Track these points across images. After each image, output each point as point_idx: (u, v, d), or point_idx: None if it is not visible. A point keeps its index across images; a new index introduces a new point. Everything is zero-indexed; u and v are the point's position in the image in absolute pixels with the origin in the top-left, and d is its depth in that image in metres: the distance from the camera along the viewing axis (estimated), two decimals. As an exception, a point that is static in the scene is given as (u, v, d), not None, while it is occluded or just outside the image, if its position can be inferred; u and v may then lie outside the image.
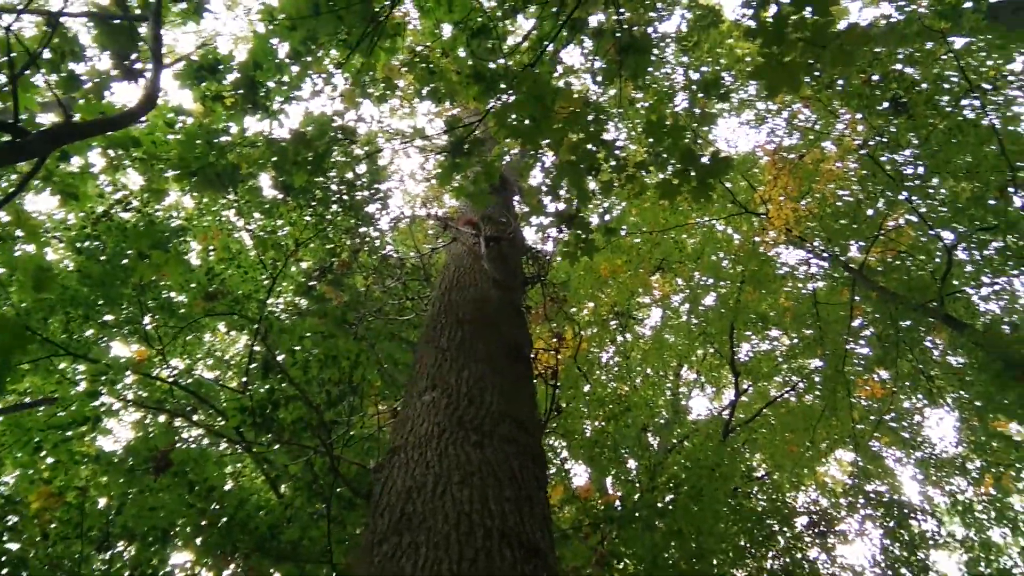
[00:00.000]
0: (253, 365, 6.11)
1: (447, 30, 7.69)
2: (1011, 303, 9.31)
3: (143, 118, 4.19)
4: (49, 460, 4.81)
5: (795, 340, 13.29)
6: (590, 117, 4.32)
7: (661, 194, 4.42)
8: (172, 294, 8.83)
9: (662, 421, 12.93)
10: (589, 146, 4.51)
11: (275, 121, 5.63)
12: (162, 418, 7.81)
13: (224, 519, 4.67)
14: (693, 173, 4.33)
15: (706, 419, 14.83)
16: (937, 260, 10.07)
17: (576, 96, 4.30)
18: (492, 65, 6.93)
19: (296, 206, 8.16)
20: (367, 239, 8.19)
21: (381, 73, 6.16)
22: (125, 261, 7.70)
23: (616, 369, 14.97)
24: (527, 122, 4.45)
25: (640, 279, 13.18)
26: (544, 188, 5.23)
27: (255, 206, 8.56)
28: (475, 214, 6.41)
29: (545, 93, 4.24)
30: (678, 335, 15.61)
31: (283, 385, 4.78)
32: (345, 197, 8.12)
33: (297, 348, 5.01)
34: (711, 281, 14.19)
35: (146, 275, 5.88)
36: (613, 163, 4.58)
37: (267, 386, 4.82)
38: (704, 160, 4.32)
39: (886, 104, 7.42)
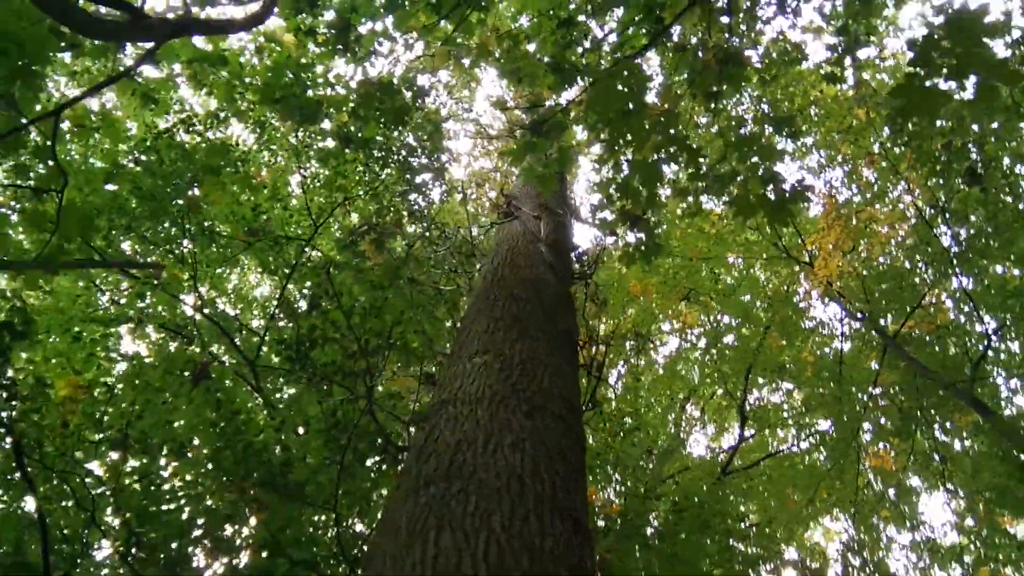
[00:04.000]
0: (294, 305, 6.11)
1: (531, 16, 7.68)
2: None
3: (258, 26, 4.19)
4: (83, 352, 4.81)
5: (814, 393, 13.10)
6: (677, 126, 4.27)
7: (736, 211, 4.36)
8: (215, 223, 8.86)
9: (665, 448, 12.83)
10: (672, 148, 4.46)
11: (360, 67, 5.62)
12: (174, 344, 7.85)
13: (241, 444, 4.65)
14: (773, 196, 4.27)
15: (703, 457, 14.70)
16: (973, 342, 9.93)
17: (674, 94, 4.25)
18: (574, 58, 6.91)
19: (354, 159, 8.17)
20: (417, 206, 8.17)
21: (477, 38, 6.13)
22: (177, 181, 7.73)
23: (622, 390, 14.88)
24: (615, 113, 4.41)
25: (667, 304, 13.08)
26: (615, 185, 5.19)
27: (315, 152, 8.58)
28: (540, 198, 6.38)
29: (642, 86, 4.19)
30: (690, 368, 15.49)
31: (324, 326, 4.76)
32: (404, 158, 8.11)
33: (343, 295, 4.99)
34: (736, 321, 14.07)
35: (210, 194, 5.86)
36: (691, 170, 4.53)
37: (310, 324, 4.79)
38: (786, 185, 4.26)
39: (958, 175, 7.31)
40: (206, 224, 8.68)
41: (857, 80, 10.54)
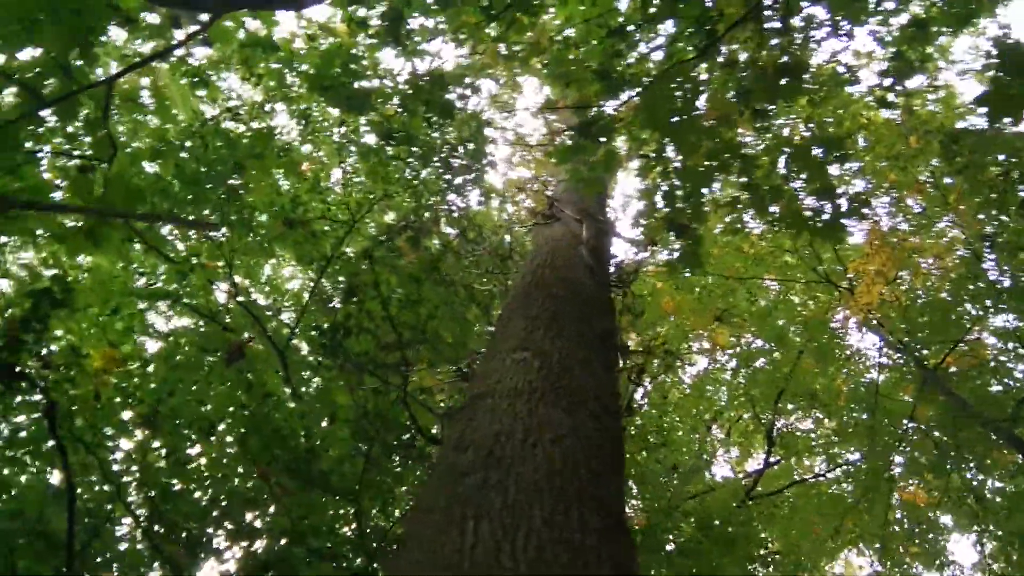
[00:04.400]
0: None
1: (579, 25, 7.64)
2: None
3: (317, 4, 4.19)
4: (120, 325, 4.84)
5: (846, 422, 12.81)
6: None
7: (788, 224, 4.26)
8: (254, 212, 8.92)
9: (689, 467, 12.61)
10: (726, 155, 4.37)
11: (409, 61, 5.62)
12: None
13: (269, 429, 4.63)
14: (828, 212, 4.16)
15: (727, 479, 14.45)
16: (1018, 380, 9.65)
17: (728, 102, 4.17)
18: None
19: (395, 155, 8.18)
20: (455, 207, 8.15)
21: (531, 36, 6.09)
22: (220, 168, 7.79)
23: (648, 407, 14.68)
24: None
25: (700, 323, 12.89)
26: (661, 192, 5.12)
27: (356, 148, 8.61)
28: (582, 202, 6.32)
29: (695, 92, 4.12)
30: (718, 389, 15.24)
31: (359, 315, 4.74)
32: (445, 156, 8.09)
33: (380, 285, 4.97)
34: (769, 345, 13.82)
35: (251, 181, 5.88)
36: (744, 179, 4.44)
37: (346, 312, 4.78)
38: (841, 200, 4.15)
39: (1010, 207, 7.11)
40: (244, 213, 8.75)
41: (908, 107, 10.33)
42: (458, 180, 7.81)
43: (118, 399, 4.68)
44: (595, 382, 3.36)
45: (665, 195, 5.12)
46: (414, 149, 7.85)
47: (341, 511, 5.59)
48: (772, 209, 4.50)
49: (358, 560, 5.60)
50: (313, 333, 4.69)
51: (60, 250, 4.51)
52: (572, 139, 5.13)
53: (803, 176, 4.23)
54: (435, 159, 8.09)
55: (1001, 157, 7.00)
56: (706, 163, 4.41)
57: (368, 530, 5.47)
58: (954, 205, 9.39)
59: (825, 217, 4.15)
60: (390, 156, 8.14)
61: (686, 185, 4.73)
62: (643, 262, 6.79)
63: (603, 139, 5.15)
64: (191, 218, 5.59)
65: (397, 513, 5.57)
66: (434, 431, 4.68)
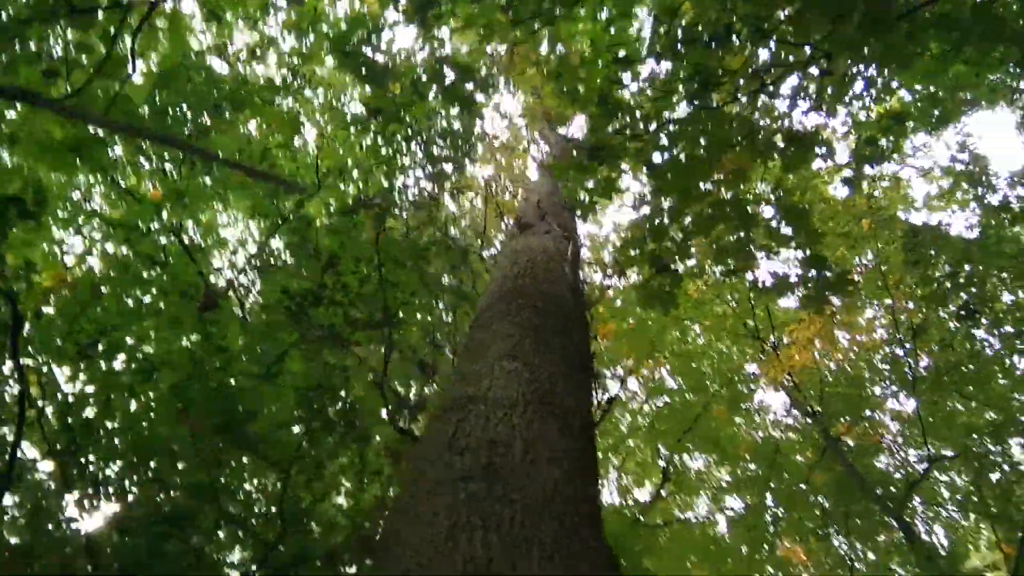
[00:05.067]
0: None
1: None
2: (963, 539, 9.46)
3: None
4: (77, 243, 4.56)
5: (743, 472, 13.29)
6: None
7: (776, 288, 4.40)
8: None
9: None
10: (727, 208, 4.48)
11: (428, 45, 5.53)
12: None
13: (214, 382, 4.45)
14: (816, 280, 4.32)
15: (615, 505, 14.76)
16: (913, 465, 10.24)
17: (747, 157, 4.28)
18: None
19: (379, 131, 8.03)
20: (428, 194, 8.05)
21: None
22: (195, 105, 7.45)
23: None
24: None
25: (633, 353, 13.12)
26: (648, 227, 5.20)
27: (340, 115, 8.42)
28: (559, 217, 6.35)
29: (722, 140, 4.21)
30: (623, 418, 15.53)
31: (334, 287, 4.62)
32: (427, 142, 7.99)
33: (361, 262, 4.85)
34: (682, 386, 14.18)
35: (228, 124, 5.66)
36: (741, 234, 4.56)
37: (320, 283, 4.64)
38: (828, 272, 4.32)
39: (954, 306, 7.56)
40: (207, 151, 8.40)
41: (868, 192, 10.84)
42: (438, 168, 7.71)
43: (59, 321, 4.41)
44: (577, 401, 3.38)
45: (654, 231, 5.20)
46: (408, 131, 7.73)
47: (264, 480, 5.44)
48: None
49: (270, 533, 5.46)
50: (282, 295, 4.53)
51: (42, 159, 4.20)
52: (577, 159, 5.16)
53: (797, 241, 4.38)
54: (419, 142, 7.99)
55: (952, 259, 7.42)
56: (709, 211, 4.50)
57: (291, 501, 5.33)
58: (892, 291, 9.88)
59: (815, 281, 4.31)
60: (374, 131, 7.98)
61: (680, 225, 4.82)
62: (610, 287, 6.86)
63: (609, 164, 5.20)
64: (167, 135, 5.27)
65: (327, 485, 5.46)
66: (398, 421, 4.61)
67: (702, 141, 4.24)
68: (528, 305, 4.23)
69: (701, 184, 4.46)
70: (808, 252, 4.39)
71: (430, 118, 7.60)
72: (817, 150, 8.25)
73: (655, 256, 5.13)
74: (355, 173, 8.85)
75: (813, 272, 4.32)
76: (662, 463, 14.51)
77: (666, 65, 7.91)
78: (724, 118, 4.40)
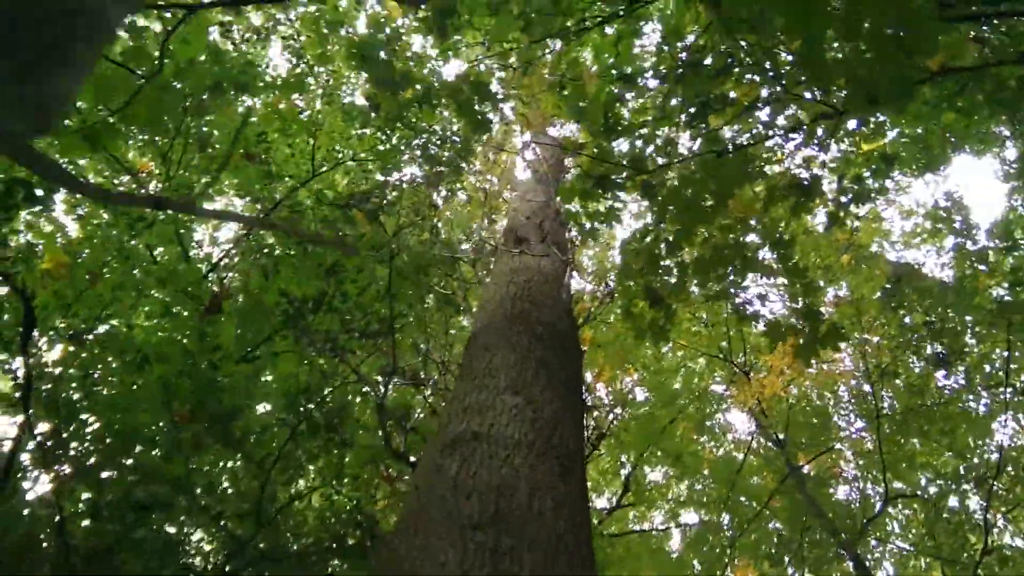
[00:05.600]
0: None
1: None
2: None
3: None
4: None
5: (703, 489, 13.52)
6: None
7: (768, 334, 4.50)
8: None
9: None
10: (727, 251, 4.57)
11: (443, 58, 5.53)
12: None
13: (205, 378, 4.45)
14: (807, 333, 4.43)
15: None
16: (867, 496, 10.51)
17: (753, 204, 4.36)
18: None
19: (378, 127, 8.02)
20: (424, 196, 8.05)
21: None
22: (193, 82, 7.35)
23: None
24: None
25: (609, 365, 13.24)
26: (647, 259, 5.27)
27: (342, 106, 8.37)
28: (551, 236, 6.40)
29: (732, 181, 4.29)
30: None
31: (334, 293, 4.62)
32: (424, 144, 7.99)
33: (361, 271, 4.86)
34: (650, 399, 14.36)
35: (227, 104, 5.59)
36: (740, 279, 4.65)
37: (321, 289, 4.64)
38: (822, 324, 4.43)
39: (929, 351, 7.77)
40: (203, 131, 8.30)
41: (851, 229, 11.05)
42: (436, 170, 7.71)
43: (52, 305, 4.36)
44: (575, 441, 3.44)
45: (650, 261, 5.28)
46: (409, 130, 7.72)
47: (243, 477, 5.44)
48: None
49: (243, 529, 5.46)
50: (281, 298, 4.52)
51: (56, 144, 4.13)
52: (583, 183, 5.21)
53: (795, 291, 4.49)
54: (417, 144, 7.98)
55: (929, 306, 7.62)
56: (711, 255, 4.58)
57: (267, 499, 5.33)
58: (866, 328, 10.10)
59: (806, 334, 4.42)
60: (373, 125, 7.96)
61: (677, 259, 4.90)
62: (599, 311, 6.94)
63: (613, 192, 5.26)
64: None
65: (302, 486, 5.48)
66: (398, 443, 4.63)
67: (710, 185, 4.31)
68: (528, 332, 4.28)
69: (702, 230, 4.54)
70: (804, 303, 4.50)
71: (430, 126, 7.61)
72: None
73: (650, 289, 5.20)
74: (350, 164, 8.83)
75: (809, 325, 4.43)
76: (624, 472, 14.69)
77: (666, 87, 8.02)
78: (729, 164, 4.48)
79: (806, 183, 4.99)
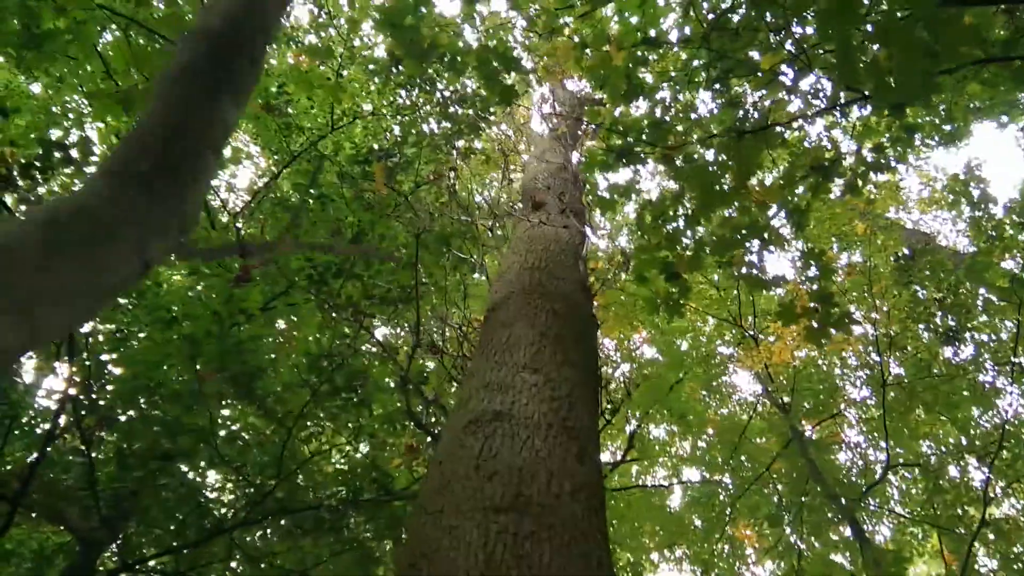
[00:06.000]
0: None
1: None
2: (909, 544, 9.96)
3: None
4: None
5: (708, 448, 13.76)
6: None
7: (781, 316, 4.58)
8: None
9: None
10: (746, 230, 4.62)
11: (468, 23, 5.50)
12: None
13: (232, 340, 4.58)
14: (818, 316, 4.51)
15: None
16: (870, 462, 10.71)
17: (777, 191, 4.39)
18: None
19: (399, 84, 8.00)
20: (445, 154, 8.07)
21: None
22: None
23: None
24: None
25: (621, 327, 13.35)
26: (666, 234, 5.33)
27: (362, 59, 8.33)
28: (570, 197, 6.44)
29: (752, 162, 4.32)
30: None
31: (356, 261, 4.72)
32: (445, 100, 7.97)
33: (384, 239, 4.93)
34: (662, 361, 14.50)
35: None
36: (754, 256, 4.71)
37: (345, 257, 4.73)
38: (835, 310, 4.50)
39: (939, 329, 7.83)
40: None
41: (867, 197, 10.99)
42: (456, 128, 7.71)
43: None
44: (591, 421, 3.56)
45: (669, 236, 5.33)
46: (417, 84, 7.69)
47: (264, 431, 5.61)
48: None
49: (262, 480, 5.67)
50: (309, 265, 4.61)
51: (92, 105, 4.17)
52: (608, 154, 5.23)
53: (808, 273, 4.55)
54: (435, 101, 7.96)
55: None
56: (730, 235, 4.63)
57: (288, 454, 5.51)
58: (877, 299, 10.14)
59: (817, 317, 4.50)
60: (394, 81, 7.93)
61: (697, 238, 4.96)
62: (614, 278, 7.01)
63: (634, 165, 5.29)
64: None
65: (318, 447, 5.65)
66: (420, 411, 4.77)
67: (731, 164, 4.33)
68: (546, 308, 4.36)
69: (723, 210, 4.58)
70: (817, 287, 4.57)
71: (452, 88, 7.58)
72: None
73: (667, 263, 5.26)
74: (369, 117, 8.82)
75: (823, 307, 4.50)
76: (629, 429, 14.93)
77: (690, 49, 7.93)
78: (749, 142, 4.49)
79: (826, 164, 5.00)
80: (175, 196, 2.28)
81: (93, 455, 5.20)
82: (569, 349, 3.99)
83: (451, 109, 7.97)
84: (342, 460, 5.85)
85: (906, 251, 9.12)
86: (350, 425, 5.41)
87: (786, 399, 11.76)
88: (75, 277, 1.92)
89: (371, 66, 8.29)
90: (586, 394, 3.74)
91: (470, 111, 7.85)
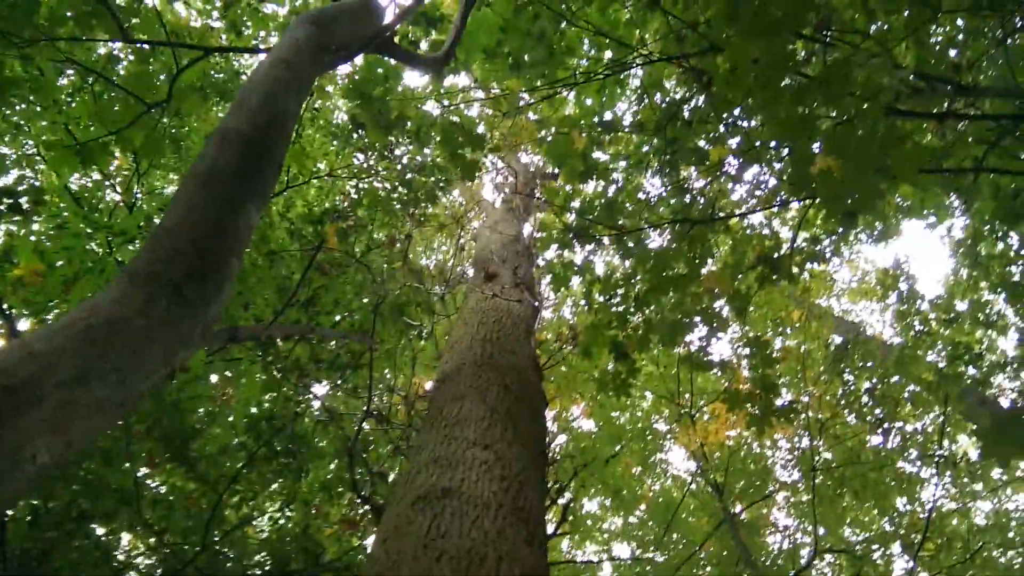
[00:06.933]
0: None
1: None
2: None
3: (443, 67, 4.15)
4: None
5: (640, 525, 13.71)
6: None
7: (726, 401, 4.68)
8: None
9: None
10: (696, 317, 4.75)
11: (435, 99, 5.63)
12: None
13: (169, 401, 4.41)
14: (761, 405, 4.62)
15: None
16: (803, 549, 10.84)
17: (727, 281, 4.54)
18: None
19: (358, 148, 8.07)
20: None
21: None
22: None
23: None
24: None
25: (565, 395, 13.38)
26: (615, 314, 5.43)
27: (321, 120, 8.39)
28: (525, 279, 6.51)
29: (705, 252, 4.47)
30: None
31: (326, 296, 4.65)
32: (403, 169, 8.05)
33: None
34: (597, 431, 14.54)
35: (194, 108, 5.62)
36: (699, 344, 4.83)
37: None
38: (779, 401, 4.63)
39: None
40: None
41: (804, 285, 11.45)
42: (412, 195, 7.77)
43: (21, 312, 4.28)
44: (539, 504, 3.53)
45: (619, 316, 5.43)
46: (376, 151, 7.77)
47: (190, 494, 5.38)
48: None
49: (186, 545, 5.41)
50: (254, 322, 4.52)
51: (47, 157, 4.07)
52: (561, 235, 5.35)
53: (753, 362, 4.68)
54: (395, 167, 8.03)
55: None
56: (679, 317, 4.75)
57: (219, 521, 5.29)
58: (809, 382, 10.45)
59: (760, 405, 4.61)
60: (355, 145, 7.99)
61: (647, 318, 5.06)
62: (564, 353, 7.06)
63: (585, 244, 5.41)
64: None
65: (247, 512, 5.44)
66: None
67: (683, 252, 4.48)
68: (497, 382, 4.36)
69: (672, 293, 4.71)
70: (759, 373, 4.70)
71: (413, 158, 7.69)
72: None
73: (616, 342, 5.34)
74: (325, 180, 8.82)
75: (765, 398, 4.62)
76: (562, 501, 14.77)
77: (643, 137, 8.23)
78: (699, 232, 4.66)
79: (775, 256, 5.22)
80: (203, 303, 2.34)
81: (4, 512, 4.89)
82: (520, 426, 3.98)
83: (408, 176, 8.06)
84: (271, 527, 5.63)
85: (837, 339, 9.47)
86: (284, 492, 5.22)
87: (719, 479, 11.88)
88: (109, 391, 2.00)
89: (332, 129, 8.36)
90: (535, 474, 3.72)
91: (430, 179, 7.95)
